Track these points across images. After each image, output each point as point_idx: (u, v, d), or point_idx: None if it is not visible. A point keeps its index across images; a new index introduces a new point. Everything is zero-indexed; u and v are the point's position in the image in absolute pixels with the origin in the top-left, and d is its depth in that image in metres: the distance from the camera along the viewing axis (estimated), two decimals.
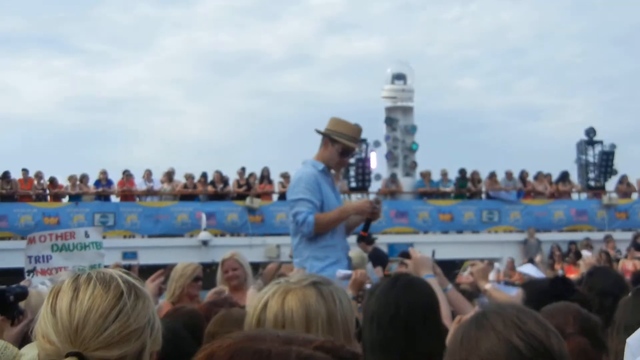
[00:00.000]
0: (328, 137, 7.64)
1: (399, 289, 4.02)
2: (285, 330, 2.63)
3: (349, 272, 6.40)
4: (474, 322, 2.34)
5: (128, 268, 7.77)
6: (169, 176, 28.11)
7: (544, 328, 2.29)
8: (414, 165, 31.64)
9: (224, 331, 4.30)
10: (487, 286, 6.45)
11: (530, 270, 11.16)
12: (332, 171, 7.96)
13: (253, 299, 3.08)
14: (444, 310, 4.82)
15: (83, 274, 2.45)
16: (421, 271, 5.75)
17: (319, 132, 7.74)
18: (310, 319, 2.83)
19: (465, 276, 7.03)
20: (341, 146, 7.56)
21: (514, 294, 6.74)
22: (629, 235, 27.43)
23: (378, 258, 14.66)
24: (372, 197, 20.12)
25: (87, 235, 7.73)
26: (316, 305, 2.87)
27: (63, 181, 27.60)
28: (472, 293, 7.65)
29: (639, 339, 1.33)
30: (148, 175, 27.99)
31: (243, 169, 28.56)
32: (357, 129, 7.78)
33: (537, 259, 25.39)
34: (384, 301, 3.95)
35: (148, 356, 2.42)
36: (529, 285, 5.86)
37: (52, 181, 27.49)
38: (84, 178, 27.56)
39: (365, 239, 11.75)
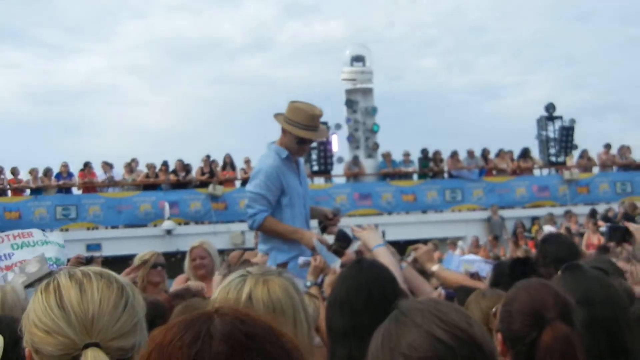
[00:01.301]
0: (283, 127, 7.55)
1: (367, 271, 3.97)
2: (277, 317, 2.75)
3: (309, 259, 6.38)
4: (392, 320, 2.30)
5: (90, 260, 7.71)
6: (131, 166, 27.94)
7: (465, 317, 2.25)
8: (375, 146, 31.66)
9: None
10: (434, 268, 6.44)
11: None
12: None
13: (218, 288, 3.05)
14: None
15: (76, 271, 2.46)
16: (371, 242, 5.74)
17: (275, 118, 7.64)
18: (294, 307, 2.93)
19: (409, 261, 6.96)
20: (296, 136, 7.47)
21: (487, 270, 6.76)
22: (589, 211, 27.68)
23: (340, 238, 14.36)
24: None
25: (45, 235, 7.68)
26: (294, 294, 2.98)
27: (24, 175, 27.30)
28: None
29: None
30: (105, 165, 27.78)
31: (208, 157, 28.43)
32: (314, 116, 7.58)
33: (505, 237, 25.61)
34: (355, 287, 3.89)
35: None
36: (495, 268, 5.87)
37: (14, 171, 27.16)
38: (48, 172, 27.29)
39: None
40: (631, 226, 6.21)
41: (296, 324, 2.89)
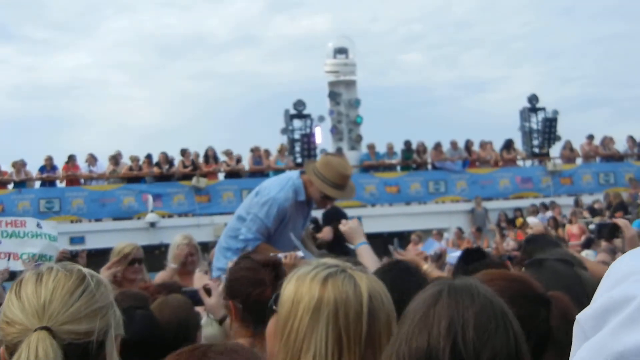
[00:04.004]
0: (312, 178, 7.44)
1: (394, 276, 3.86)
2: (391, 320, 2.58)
3: (280, 255, 6.37)
4: (424, 308, 2.23)
5: (75, 255, 7.69)
6: (115, 159, 27.85)
7: (484, 332, 2.09)
8: (359, 138, 31.70)
9: (162, 320, 4.24)
10: (425, 267, 6.49)
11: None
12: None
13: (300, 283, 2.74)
14: None
15: (44, 267, 2.50)
16: (355, 240, 5.74)
17: (305, 167, 7.57)
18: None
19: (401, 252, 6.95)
20: (321, 191, 7.40)
21: None
22: (573, 201, 27.74)
23: (330, 217, 14.11)
24: None
25: (39, 226, 7.68)
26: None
27: (7, 168, 27.18)
28: None
29: (592, 317, 1.26)
30: (91, 159, 27.71)
31: (186, 150, 28.39)
32: (344, 175, 7.38)
33: (490, 227, 25.66)
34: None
35: (113, 338, 2.46)
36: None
37: None
38: (24, 164, 27.16)
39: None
40: (619, 221, 6.20)
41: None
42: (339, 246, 8.36)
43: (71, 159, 27.62)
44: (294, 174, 7.74)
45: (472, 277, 2.61)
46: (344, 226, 5.94)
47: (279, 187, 7.58)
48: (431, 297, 2.20)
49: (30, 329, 2.29)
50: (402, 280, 3.81)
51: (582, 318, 1.32)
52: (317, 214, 9.81)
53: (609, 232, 6.41)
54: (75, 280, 2.42)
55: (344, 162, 7.63)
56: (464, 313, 2.12)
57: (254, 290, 4.06)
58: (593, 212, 25.36)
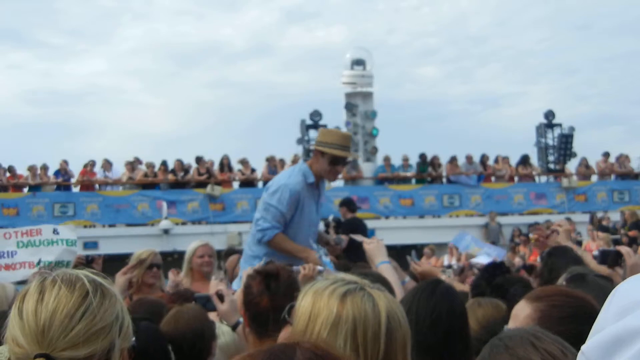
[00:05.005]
0: (317, 150, 7.72)
1: (440, 296, 3.83)
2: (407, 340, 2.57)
3: (298, 267, 6.38)
4: (488, 346, 2.26)
5: (91, 260, 7.69)
6: (132, 165, 27.90)
7: (560, 345, 2.22)
8: (374, 150, 31.66)
9: (177, 331, 4.23)
10: (443, 277, 6.47)
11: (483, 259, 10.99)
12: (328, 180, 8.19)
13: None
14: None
15: (49, 276, 2.44)
16: (376, 259, 5.74)
17: (310, 148, 7.78)
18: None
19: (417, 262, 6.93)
20: (330, 156, 7.58)
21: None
22: (588, 218, 27.61)
23: (351, 228, 14.17)
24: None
25: (55, 232, 7.63)
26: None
27: (23, 171, 27.28)
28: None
29: (600, 348, 1.17)
30: (106, 164, 27.78)
31: (201, 158, 28.43)
32: (346, 136, 7.84)
33: (502, 243, 25.59)
34: (424, 306, 3.73)
35: (118, 353, 2.42)
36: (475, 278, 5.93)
37: (11, 170, 27.16)
38: (45, 168, 27.25)
39: (348, 205, 11.68)
40: (622, 249, 6.18)
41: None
42: (353, 254, 8.52)
43: (90, 164, 27.72)
44: (298, 164, 8.10)
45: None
46: (367, 244, 5.97)
47: (287, 176, 7.86)
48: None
49: (30, 354, 2.27)
50: (446, 301, 3.78)
51: (588, 349, 1.26)
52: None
53: (612, 259, 6.36)
54: (77, 298, 2.36)
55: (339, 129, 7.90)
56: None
57: (253, 299, 4.11)
58: (603, 229, 25.23)
